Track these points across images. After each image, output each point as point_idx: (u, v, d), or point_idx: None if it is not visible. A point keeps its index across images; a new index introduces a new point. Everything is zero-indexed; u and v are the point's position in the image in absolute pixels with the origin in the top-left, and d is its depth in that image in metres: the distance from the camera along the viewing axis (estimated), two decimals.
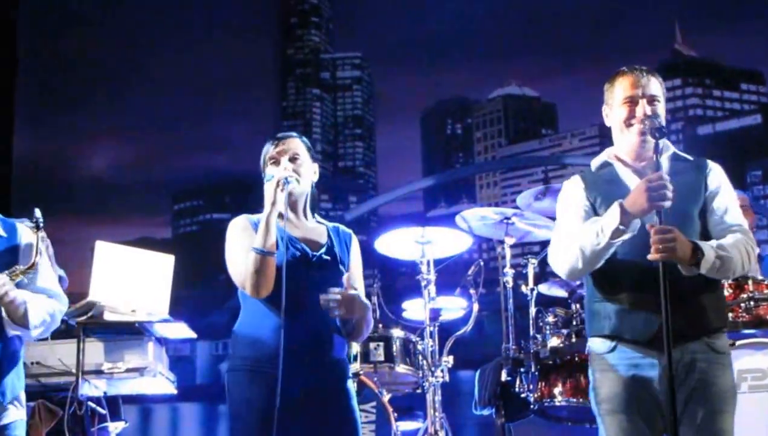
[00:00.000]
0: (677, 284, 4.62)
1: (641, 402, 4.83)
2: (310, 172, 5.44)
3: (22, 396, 5.24)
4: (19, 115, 12.83)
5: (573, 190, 5.17)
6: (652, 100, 5.02)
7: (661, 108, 5.06)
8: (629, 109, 5.01)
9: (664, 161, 4.97)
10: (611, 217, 4.65)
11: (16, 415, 5.14)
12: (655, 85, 5.10)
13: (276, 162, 5.34)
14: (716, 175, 5.04)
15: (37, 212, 5.08)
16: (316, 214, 5.58)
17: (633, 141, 5.02)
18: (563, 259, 4.94)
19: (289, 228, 5.23)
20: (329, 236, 5.43)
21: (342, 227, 5.59)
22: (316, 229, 5.46)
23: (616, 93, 5.10)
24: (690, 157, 5.14)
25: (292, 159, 5.35)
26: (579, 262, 4.83)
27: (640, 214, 4.64)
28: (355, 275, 5.46)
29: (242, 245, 5.13)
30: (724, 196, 5.00)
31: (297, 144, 5.42)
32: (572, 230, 4.97)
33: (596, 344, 5.04)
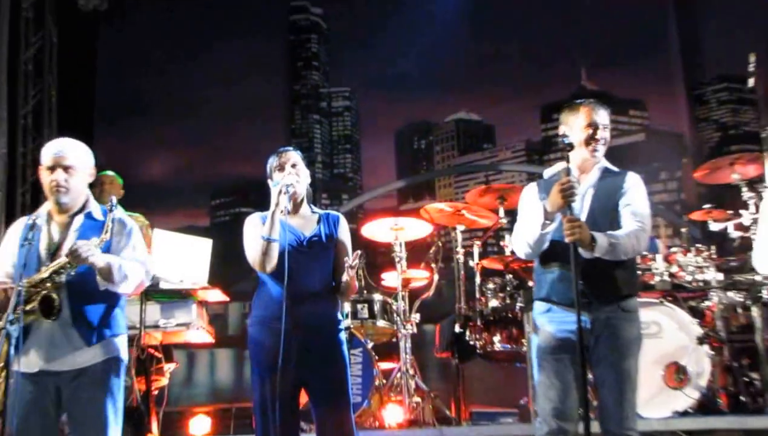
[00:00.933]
0: (597, 262, 4.78)
1: (566, 349, 4.90)
2: (305, 175, 5.56)
3: (121, 341, 5.17)
4: (97, 134, 12.78)
5: (529, 195, 5.27)
6: (604, 127, 5.15)
7: (608, 132, 5.19)
8: (590, 132, 5.12)
9: (596, 172, 5.05)
10: (539, 215, 4.80)
11: (113, 356, 5.07)
12: (599, 113, 5.19)
13: (281, 169, 5.48)
14: (630, 182, 5.12)
15: (112, 199, 5.11)
16: (312, 206, 5.67)
17: (586, 156, 5.12)
18: (518, 246, 5.15)
19: (289, 219, 5.35)
20: (320, 222, 5.54)
21: (332, 212, 5.69)
22: (310, 217, 5.57)
23: (579, 119, 5.16)
24: (616, 169, 5.22)
25: (293, 166, 5.49)
26: (528, 248, 5.05)
27: (558, 208, 4.80)
28: (343, 247, 5.55)
29: (253, 236, 5.33)
30: (633, 197, 5.07)
31: (294, 155, 5.60)
32: (524, 223, 5.12)
33: (537, 305, 5.15)
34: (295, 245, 5.33)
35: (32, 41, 12.86)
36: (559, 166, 5.17)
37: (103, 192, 8.47)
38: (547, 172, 5.31)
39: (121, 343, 5.18)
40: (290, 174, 5.46)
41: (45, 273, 4.83)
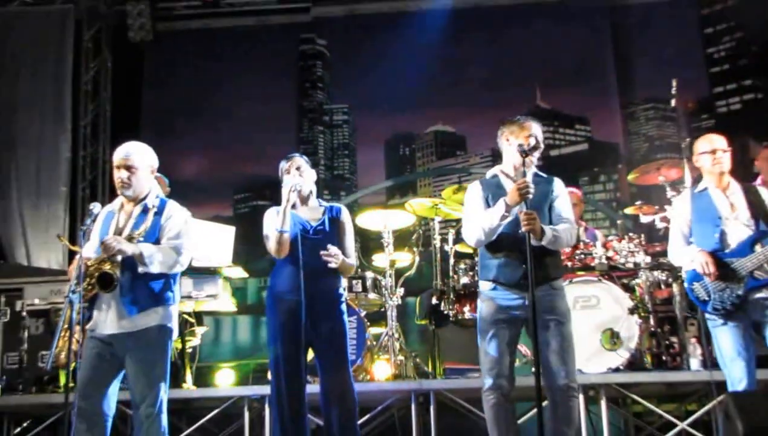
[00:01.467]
0: (535, 251, 4.83)
1: (504, 320, 5.00)
2: (310, 176, 5.70)
3: (169, 310, 5.23)
4: (142, 140, 12.65)
5: (475, 190, 5.28)
6: (531, 136, 5.21)
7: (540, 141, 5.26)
8: (527, 140, 5.18)
9: (529, 176, 5.05)
10: (499, 208, 4.91)
11: (160, 321, 5.13)
12: (536, 128, 5.29)
13: (288, 171, 5.63)
14: (558, 187, 5.24)
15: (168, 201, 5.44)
16: (319, 200, 5.78)
17: (516, 161, 5.17)
18: (471, 234, 5.13)
19: (299, 211, 5.55)
20: (325, 213, 5.63)
21: (335, 204, 5.79)
22: (317, 209, 5.67)
23: (520, 132, 5.23)
24: (544, 175, 5.30)
25: (297, 169, 5.63)
26: (482, 236, 5.05)
27: (515, 204, 4.79)
28: (344, 233, 5.65)
29: (270, 227, 5.44)
30: (562, 200, 5.20)
31: (299, 160, 5.73)
32: (476, 216, 5.12)
33: (483, 285, 5.17)
34: (303, 233, 5.41)
35: (91, 66, 12.90)
36: (496, 169, 5.34)
37: None
38: (489, 173, 5.38)
39: (169, 312, 5.23)
40: (295, 177, 5.56)
41: (103, 255, 4.94)
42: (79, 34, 12.77)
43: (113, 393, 5.12)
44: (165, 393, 5.12)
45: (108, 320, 5.02)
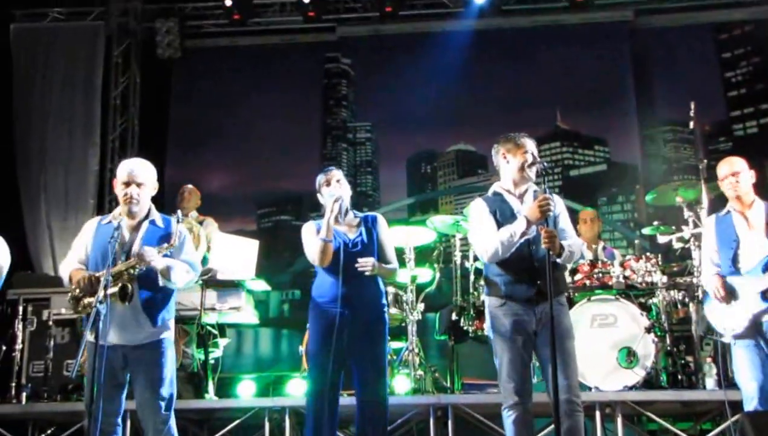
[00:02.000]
0: (544, 269, 4.82)
1: (519, 334, 5.00)
2: (348, 189, 5.70)
3: (171, 323, 5.32)
4: (169, 154, 12.82)
5: (482, 206, 5.26)
6: (527, 153, 5.20)
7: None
8: (524, 157, 5.18)
9: (530, 194, 5.10)
10: (521, 224, 4.91)
11: (167, 334, 5.22)
12: (531, 144, 5.28)
13: (328, 184, 5.61)
14: (559, 204, 5.22)
15: (179, 213, 5.34)
16: (354, 211, 5.76)
17: (518, 177, 5.20)
18: (487, 249, 5.08)
19: (336, 226, 5.52)
20: (361, 224, 5.63)
21: (370, 214, 5.80)
22: (353, 221, 5.66)
23: (507, 148, 5.27)
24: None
25: (337, 181, 5.63)
26: (500, 250, 5.01)
27: (536, 221, 4.80)
28: (384, 242, 5.66)
29: (311, 239, 5.45)
30: (564, 217, 5.22)
31: (338, 172, 5.73)
32: (488, 230, 5.09)
33: (492, 300, 5.15)
34: (343, 246, 5.45)
35: (120, 81, 13.02)
36: (496, 186, 5.32)
37: (184, 200, 8.53)
38: (490, 191, 5.37)
39: (172, 324, 5.35)
40: (337, 190, 5.57)
41: (123, 267, 4.96)
42: (109, 50, 12.90)
43: (122, 402, 5.21)
44: (174, 401, 5.21)
45: (119, 331, 5.05)
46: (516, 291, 5.03)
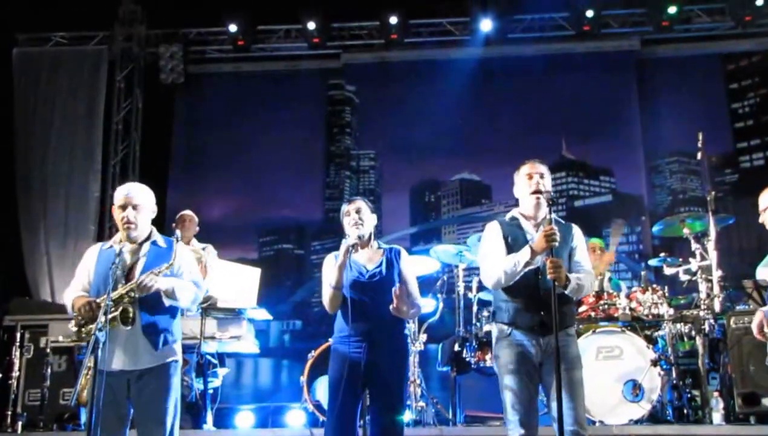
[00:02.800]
0: (550, 299, 4.78)
1: (524, 365, 4.92)
2: (370, 219, 5.55)
3: (177, 347, 5.24)
4: (171, 181, 12.86)
5: (495, 230, 5.24)
6: (541, 176, 5.18)
7: (547, 182, 5.20)
8: (530, 182, 5.17)
9: (547, 222, 5.06)
10: (525, 253, 4.90)
11: (172, 359, 5.14)
12: (543, 168, 5.25)
13: (348, 214, 5.49)
14: (577, 235, 5.22)
15: (178, 233, 5.31)
16: (379, 242, 5.65)
17: (532, 204, 5.14)
18: (490, 275, 5.07)
19: (357, 256, 5.45)
20: (383, 256, 5.50)
21: (395, 247, 5.65)
22: (376, 252, 5.54)
23: (522, 174, 5.24)
24: (563, 221, 5.21)
25: (357, 211, 5.47)
26: (502, 279, 4.98)
27: (541, 251, 4.79)
28: (407, 276, 5.50)
29: (326, 277, 5.36)
30: (581, 249, 5.19)
31: (360, 203, 5.55)
32: (495, 256, 5.07)
33: (499, 327, 5.09)
34: (357, 280, 5.34)
35: (122, 106, 13.08)
36: (515, 211, 5.29)
37: (184, 227, 8.49)
38: (507, 216, 5.34)
39: (178, 347, 5.26)
40: (355, 222, 5.46)
41: (123, 290, 4.92)
42: (112, 75, 12.97)
43: (127, 429, 5.13)
44: (176, 430, 5.13)
45: (122, 357, 4.99)
46: (520, 320, 4.97)
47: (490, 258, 5.15)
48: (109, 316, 4.75)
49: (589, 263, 5.21)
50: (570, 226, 5.23)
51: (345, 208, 5.56)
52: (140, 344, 5.01)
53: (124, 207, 5.15)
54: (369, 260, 5.44)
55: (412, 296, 5.43)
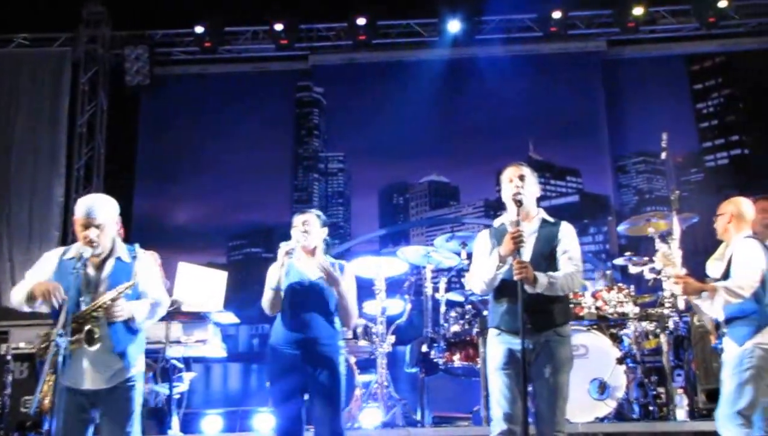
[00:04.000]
0: (538, 297, 4.87)
1: (512, 364, 4.95)
2: (318, 232, 5.69)
3: (141, 358, 5.24)
4: (137, 184, 12.80)
5: (482, 240, 5.29)
6: (520, 178, 5.20)
7: (528, 183, 5.22)
8: (508, 186, 5.19)
9: (536, 222, 5.14)
10: (494, 258, 4.94)
11: (135, 370, 5.13)
12: (525, 170, 5.29)
13: (296, 226, 5.64)
14: (564, 231, 5.20)
15: (136, 248, 5.29)
16: (326, 254, 5.75)
17: (512, 209, 5.13)
18: (473, 284, 5.24)
19: (302, 265, 5.59)
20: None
21: (340, 262, 5.74)
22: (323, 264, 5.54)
23: (503, 179, 5.27)
24: (552, 220, 5.26)
25: (304, 223, 5.63)
26: (483, 286, 5.11)
27: (509, 253, 4.84)
28: (346, 289, 5.57)
29: (268, 282, 5.50)
30: (568, 244, 5.16)
31: (309, 216, 5.69)
32: (478, 268, 5.18)
33: (491, 331, 5.16)
34: (296, 287, 5.49)
35: (87, 109, 12.97)
36: (505, 217, 5.28)
37: None
38: (497, 222, 5.36)
39: (142, 359, 5.28)
40: (298, 233, 5.59)
41: (88, 309, 4.91)
42: (76, 77, 12.88)
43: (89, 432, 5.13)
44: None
45: (90, 375, 5.00)
46: (506, 322, 5.02)
47: (473, 268, 5.28)
48: (74, 337, 4.73)
49: (578, 258, 5.19)
50: (558, 222, 5.26)
51: (295, 218, 5.71)
52: (108, 364, 5.01)
53: (86, 226, 5.06)
54: (313, 270, 5.52)
55: (348, 310, 5.59)
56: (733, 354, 5.34)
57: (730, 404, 5.31)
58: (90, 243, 5.01)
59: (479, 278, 5.10)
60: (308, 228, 5.63)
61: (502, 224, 5.29)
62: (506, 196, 5.22)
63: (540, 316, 4.90)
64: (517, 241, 4.84)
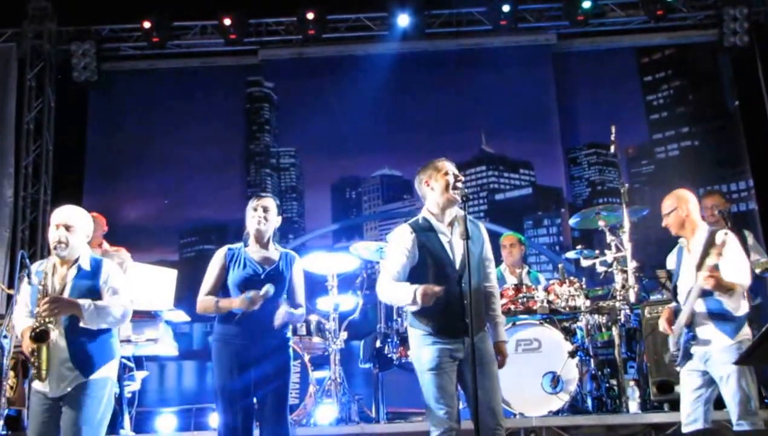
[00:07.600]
0: (477, 304, 5.00)
1: (447, 364, 4.97)
2: (274, 220, 5.57)
3: (112, 363, 5.35)
4: (86, 182, 12.65)
5: (403, 236, 5.13)
6: (448, 174, 5.16)
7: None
8: (446, 178, 5.13)
9: (457, 223, 5.10)
10: (407, 298, 4.88)
11: (102, 375, 5.20)
12: (450, 166, 5.23)
13: (256, 209, 5.49)
14: (485, 234, 5.27)
15: (98, 258, 5.49)
16: (277, 244, 5.67)
17: (446, 202, 5.12)
18: (381, 292, 5.15)
19: (256, 252, 5.48)
20: (280, 259, 5.52)
21: (290, 253, 5.66)
22: (274, 254, 5.55)
23: (439, 171, 5.19)
24: (473, 220, 5.23)
25: (265, 210, 5.49)
26: (389, 300, 5.30)
27: (423, 304, 4.81)
28: (296, 284, 5.56)
29: (211, 275, 5.50)
30: (487, 245, 5.25)
31: (269, 202, 5.56)
32: (392, 273, 5.05)
33: (419, 332, 5.07)
34: (252, 277, 5.38)
35: (34, 105, 12.78)
36: (425, 212, 5.22)
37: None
38: (420, 215, 5.25)
39: (113, 366, 5.33)
40: (259, 220, 5.46)
41: (38, 309, 5.02)
42: (22, 73, 12.69)
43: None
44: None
45: (56, 381, 5.06)
46: (443, 326, 4.97)
47: (386, 272, 5.13)
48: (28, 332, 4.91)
49: (492, 260, 5.29)
50: (478, 224, 5.31)
51: (253, 202, 5.55)
52: (72, 372, 5.08)
53: (58, 226, 5.24)
54: (265, 260, 5.49)
55: (294, 316, 5.50)
56: (725, 347, 5.37)
57: (745, 403, 5.32)
58: (59, 243, 5.17)
59: (387, 296, 5.15)
60: (268, 216, 5.52)
61: (425, 217, 5.20)
62: (440, 189, 5.16)
63: (476, 320, 4.93)
64: (430, 298, 4.80)
